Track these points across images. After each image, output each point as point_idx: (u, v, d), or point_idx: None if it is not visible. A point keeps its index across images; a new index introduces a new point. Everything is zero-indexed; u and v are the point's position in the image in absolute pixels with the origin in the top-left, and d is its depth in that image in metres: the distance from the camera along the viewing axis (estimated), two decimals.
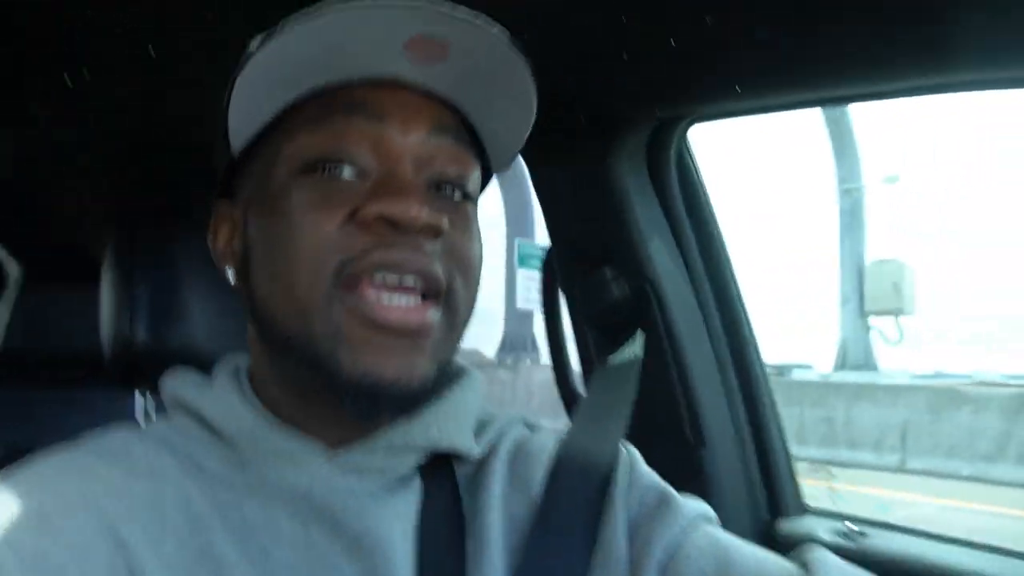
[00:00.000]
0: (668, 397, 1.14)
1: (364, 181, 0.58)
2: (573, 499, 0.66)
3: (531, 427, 0.74)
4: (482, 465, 0.67)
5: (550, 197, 1.23)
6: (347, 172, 0.58)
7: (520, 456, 0.68)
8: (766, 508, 1.21)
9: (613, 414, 0.79)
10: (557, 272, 1.24)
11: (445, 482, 0.65)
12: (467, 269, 0.61)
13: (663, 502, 0.65)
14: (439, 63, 0.58)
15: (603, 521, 0.65)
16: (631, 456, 0.70)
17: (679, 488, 0.67)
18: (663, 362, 1.13)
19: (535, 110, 0.63)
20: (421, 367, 0.57)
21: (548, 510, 0.65)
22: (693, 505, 0.66)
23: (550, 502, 0.65)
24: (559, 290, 1.25)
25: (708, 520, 0.66)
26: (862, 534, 1.11)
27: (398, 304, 0.56)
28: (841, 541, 1.11)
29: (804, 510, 1.24)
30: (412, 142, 0.59)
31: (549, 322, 1.29)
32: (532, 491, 0.66)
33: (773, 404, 1.24)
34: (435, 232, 0.57)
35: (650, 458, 0.72)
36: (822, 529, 1.15)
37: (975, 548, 1.06)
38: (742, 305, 1.23)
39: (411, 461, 0.62)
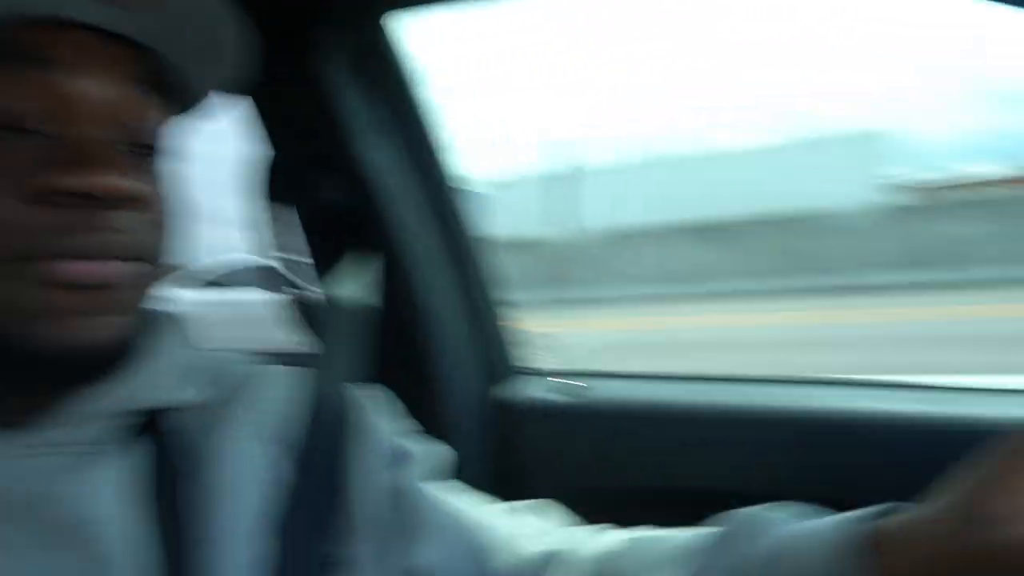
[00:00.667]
0: (400, 286, 1.16)
1: (46, 145, 0.50)
2: (321, 437, 0.66)
3: (255, 360, 0.71)
4: (211, 410, 0.63)
5: (258, 105, 1.15)
6: (24, 135, 0.50)
7: (256, 395, 0.66)
8: (484, 376, 1.25)
9: (352, 340, 0.82)
10: (281, 186, 1.18)
11: (158, 440, 0.60)
12: (163, 227, 0.56)
13: (402, 450, 0.69)
14: (122, 5, 0.52)
15: (352, 458, 0.66)
16: (375, 398, 0.73)
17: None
18: (393, 257, 1.15)
19: (235, 52, 0.59)
20: (110, 324, 0.53)
21: (299, 449, 0.64)
22: (431, 451, 0.71)
23: (300, 441, 0.65)
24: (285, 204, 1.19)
25: (441, 466, 0.71)
26: (581, 387, 1.19)
27: (80, 267, 0.50)
28: (557, 397, 1.20)
29: (516, 372, 1.29)
30: (100, 96, 0.52)
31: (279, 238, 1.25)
32: (275, 430, 0.65)
33: (483, 270, 1.28)
34: (138, 202, 0.53)
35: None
36: (538, 389, 1.24)
37: (698, 381, 1.18)
38: (453, 186, 1.25)
39: (108, 427, 0.56)
